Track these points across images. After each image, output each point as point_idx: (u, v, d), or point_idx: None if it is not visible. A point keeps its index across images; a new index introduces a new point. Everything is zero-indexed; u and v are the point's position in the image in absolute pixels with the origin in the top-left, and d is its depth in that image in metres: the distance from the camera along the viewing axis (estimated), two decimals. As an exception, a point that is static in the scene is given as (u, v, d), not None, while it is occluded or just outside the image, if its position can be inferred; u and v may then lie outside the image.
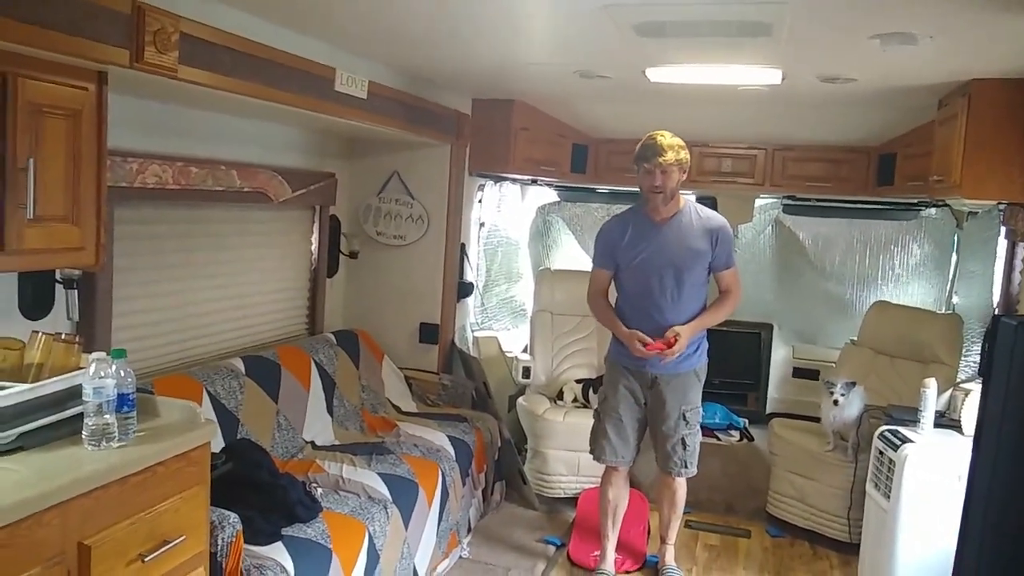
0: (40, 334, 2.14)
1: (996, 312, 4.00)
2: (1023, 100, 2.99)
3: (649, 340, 3.14)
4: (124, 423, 1.99)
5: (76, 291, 2.53)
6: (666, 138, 3.12)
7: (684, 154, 3.14)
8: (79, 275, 2.51)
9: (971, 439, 2.24)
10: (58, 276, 2.48)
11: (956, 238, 5.02)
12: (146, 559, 1.92)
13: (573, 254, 5.86)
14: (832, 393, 3.78)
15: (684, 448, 3.32)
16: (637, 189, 3.26)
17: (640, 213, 3.27)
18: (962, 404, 3.20)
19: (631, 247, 3.24)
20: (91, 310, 2.64)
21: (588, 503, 3.94)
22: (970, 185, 3.08)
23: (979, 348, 4.01)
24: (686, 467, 3.35)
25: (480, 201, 4.80)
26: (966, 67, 2.95)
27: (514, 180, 5.11)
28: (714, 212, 3.33)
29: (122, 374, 1.99)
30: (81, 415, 1.96)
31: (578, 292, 4.62)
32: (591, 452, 3.47)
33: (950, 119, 3.24)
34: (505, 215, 5.36)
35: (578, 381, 4.55)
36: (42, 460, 1.86)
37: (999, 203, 3.62)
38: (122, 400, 1.98)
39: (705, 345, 3.36)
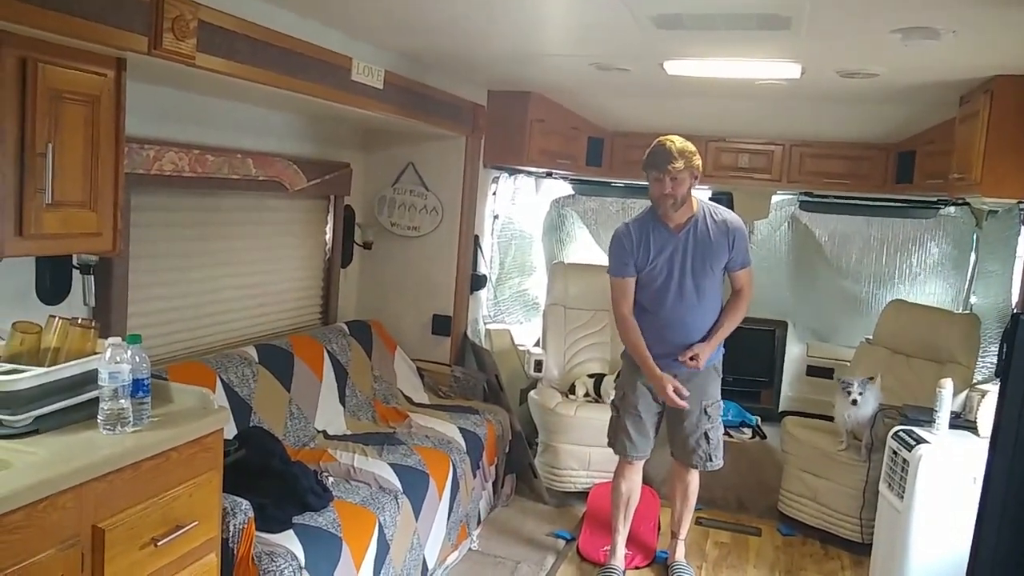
0: (57, 319, 2.15)
1: (1015, 311, 3.96)
2: (1046, 98, 2.95)
3: (682, 389, 3.17)
4: (139, 408, 2.00)
5: (93, 277, 2.55)
6: (676, 144, 3.04)
7: (696, 160, 3.07)
8: (96, 261, 2.53)
9: (987, 441, 2.21)
10: (75, 261, 2.50)
11: (975, 237, 4.97)
12: (159, 543, 1.93)
13: (587, 248, 5.84)
14: (849, 392, 3.75)
15: (708, 442, 3.32)
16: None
17: (654, 220, 3.19)
18: (978, 405, 3.17)
19: (648, 256, 3.17)
20: (107, 296, 2.67)
21: (599, 498, 3.93)
22: (990, 183, 3.03)
23: (996, 349, 3.98)
24: (711, 460, 3.35)
25: (494, 193, 4.79)
26: (989, 63, 2.91)
27: (529, 173, 5.10)
28: (729, 212, 3.27)
29: (137, 359, 2.00)
30: (96, 399, 1.97)
31: (592, 286, 4.65)
32: (610, 446, 3.45)
33: (971, 116, 3.20)
34: (519, 208, 5.35)
35: (590, 376, 4.54)
36: (58, 443, 1.88)
37: (1019, 202, 3.57)
38: (137, 385, 1.99)
39: None
